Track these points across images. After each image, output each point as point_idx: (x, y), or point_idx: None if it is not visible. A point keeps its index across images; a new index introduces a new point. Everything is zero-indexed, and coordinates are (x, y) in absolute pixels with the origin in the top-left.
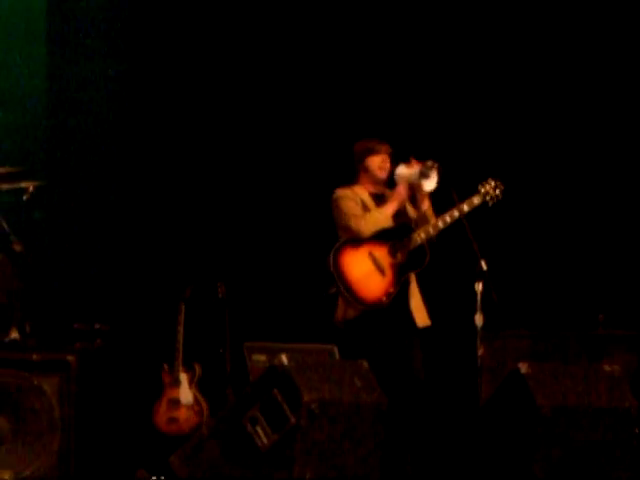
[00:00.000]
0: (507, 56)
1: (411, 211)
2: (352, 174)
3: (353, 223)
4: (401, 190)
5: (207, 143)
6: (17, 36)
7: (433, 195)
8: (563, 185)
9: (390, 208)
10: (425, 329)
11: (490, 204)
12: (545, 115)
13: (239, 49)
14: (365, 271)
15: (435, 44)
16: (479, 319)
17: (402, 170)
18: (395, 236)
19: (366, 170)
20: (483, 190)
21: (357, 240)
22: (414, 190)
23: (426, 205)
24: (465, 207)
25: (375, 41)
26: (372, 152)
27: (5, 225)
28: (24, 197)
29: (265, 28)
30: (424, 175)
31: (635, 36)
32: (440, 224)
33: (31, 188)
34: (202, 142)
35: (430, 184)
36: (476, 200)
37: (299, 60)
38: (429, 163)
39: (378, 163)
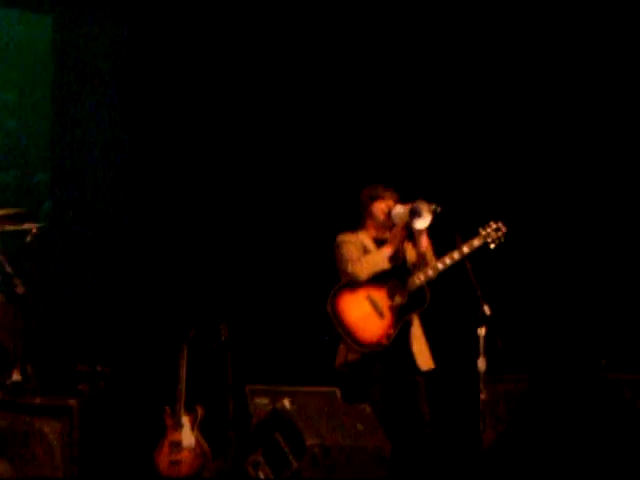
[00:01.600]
0: (505, 100)
1: (411, 253)
2: (358, 220)
3: (350, 267)
4: (396, 231)
5: (209, 183)
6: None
7: (437, 239)
8: (565, 229)
9: (387, 250)
10: (428, 372)
11: (491, 246)
12: (545, 160)
13: (236, 87)
14: (363, 314)
15: (438, 90)
16: (482, 364)
17: (397, 209)
18: (394, 278)
19: (371, 215)
20: (484, 232)
21: (355, 283)
22: (410, 230)
23: (424, 246)
24: (465, 249)
25: (381, 89)
26: (377, 198)
27: (8, 267)
28: (27, 239)
29: (269, 57)
30: (415, 213)
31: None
32: (440, 266)
33: (34, 230)
34: (203, 182)
35: (422, 222)
36: (476, 242)
37: (307, 107)
38: (421, 202)
39: (383, 209)
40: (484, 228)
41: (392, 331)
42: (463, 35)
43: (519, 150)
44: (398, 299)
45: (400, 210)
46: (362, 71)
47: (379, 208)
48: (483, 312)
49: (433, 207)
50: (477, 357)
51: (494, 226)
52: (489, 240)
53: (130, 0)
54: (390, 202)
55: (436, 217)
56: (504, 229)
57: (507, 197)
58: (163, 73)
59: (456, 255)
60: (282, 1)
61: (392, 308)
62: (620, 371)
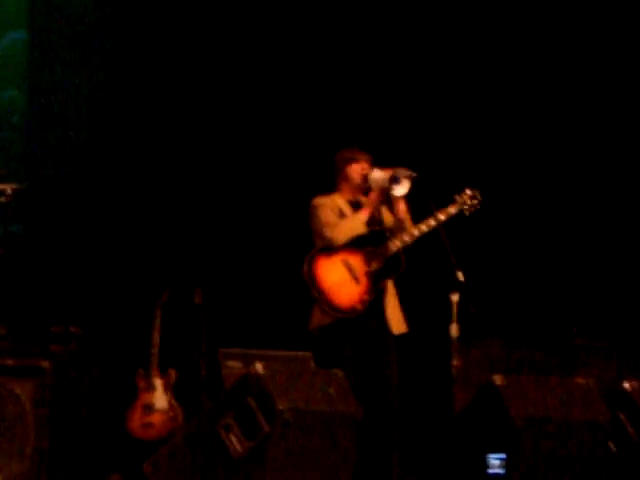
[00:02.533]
0: (484, 66)
1: (388, 218)
2: (332, 182)
3: (327, 231)
4: (373, 195)
5: (186, 146)
6: None
7: (412, 206)
8: (539, 196)
9: (363, 214)
10: (401, 337)
11: (467, 213)
12: (519, 124)
13: (222, 56)
14: (339, 279)
15: (415, 57)
16: (455, 330)
17: (375, 174)
18: (370, 243)
19: (346, 178)
20: (460, 200)
21: (331, 248)
22: (388, 195)
23: (402, 212)
24: (442, 216)
25: (357, 54)
26: (352, 161)
27: None
28: (1, 199)
29: (250, 35)
30: (395, 180)
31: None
32: (416, 232)
33: (9, 190)
34: (181, 145)
35: (401, 189)
36: (452, 209)
37: (280, 67)
38: (401, 169)
39: (358, 171)
40: (460, 195)
41: (367, 296)
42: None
43: (495, 117)
44: (374, 265)
45: (379, 175)
46: (337, 33)
47: (355, 170)
48: (456, 278)
49: (410, 174)
50: (450, 323)
51: (470, 193)
52: (465, 207)
53: None
54: (365, 165)
55: (413, 184)
56: (479, 197)
57: (482, 163)
58: (141, 34)
59: (432, 222)
60: None
61: (368, 274)
62: (591, 339)
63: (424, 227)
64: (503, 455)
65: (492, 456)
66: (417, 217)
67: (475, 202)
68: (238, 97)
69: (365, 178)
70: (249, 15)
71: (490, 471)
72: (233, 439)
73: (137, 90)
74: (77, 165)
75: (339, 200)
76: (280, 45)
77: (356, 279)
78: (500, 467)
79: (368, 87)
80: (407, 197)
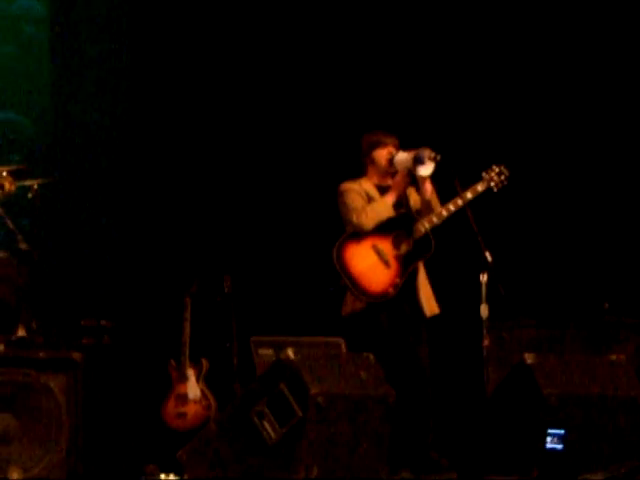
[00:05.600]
0: (508, 49)
1: (415, 200)
2: (360, 167)
3: (355, 217)
4: (398, 178)
5: (215, 136)
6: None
7: (438, 185)
8: (567, 174)
9: (390, 197)
10: (432, 320)
11: (495, 190)
12: (550, 103)
13: (242, 43)
14: (369, 264)
15: (438, 37)
16: (484, 310)
17: (399, 157)
18: (399, 226)
19: (373, 162)
20: (487, 177)
21: (360, 233)
22: (414, 177)
23: (429, 193)
24: (469, 194)
25: (380, 37)
26: (379, 145)
27: (10, 223)
28: (29, 195)
29: (267, 23)
30: (418, 161)
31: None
32: (444, 212)
33: (35, 186)
34: (210, 135)
35: (425, 170)
36: (480, 187)
37: (306, 54)
38: (424, 150)
39: (385, 155)
40: (487, 172)
41: (398, 280)
42: None
43: (517, 94)
44: (404, 248)
45: (403, 157)
46: (362, 21)
47: (381, 154)
48: (485, 258)
49: (434, 155)
50: (480, 303)
51: (497, 170)
52: (492, 184)
53: None
54: (391, 148)
55: (437, 164)
56: (507, 172)
57: (508, 140)
58: (161, 32)
59: (460, 201)
60: None
61: (398, 257)
62: (622, 315)
63: (452, 207)
64: (562, 431)
65: (551, 431)
66: (445, 197)
67: (503, 178)
68: (263, 86)
69: (391, 161)
70: (266, 5)
71: (549, 446)
72: (267, 426)
73: (158, 89)
74: (103, 157)
75: (367, 185)
76: (304, 32)
77: (386, 263)
78: (558, 442)
79: (391, 71)
80: (433, 177)
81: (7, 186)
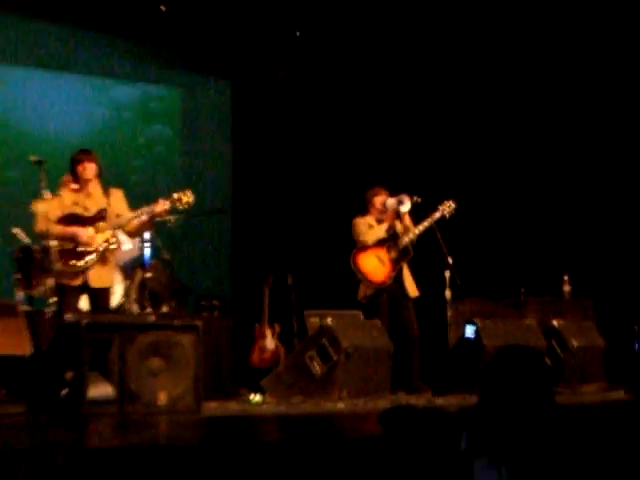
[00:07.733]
0: (468, 99)
1: (399, 225)
2: (365, 207)
3: (362, 237)
4: (389, 214)
5: (288, 174)
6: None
7: (413, 217)
8: (499, 199)
9: (384, 226)
10: (415, 300)
11: (447, 217)
12: (487, 150)
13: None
14: (373, 265)
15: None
16: (448, 294)
17: (389, 202)
18: (389, 241)
19: (373, 205)
20: (441, 208)
21: (365, 247)
22: (398, 212)
23: (407, 221)
24: (431, 220)
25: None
26: (376, 194)
27: (159, 242)
28: (168, 224)
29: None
30: (400, 202)
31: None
32: (417, 231)
33: (172, 221)
34: (285, 175)
35: (405, 207)
36: (437, 214)
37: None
38: (404, 195)
39: (381, 201)
40: (442, 204)
41: (393, 274)
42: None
43: (467, 152)
44: (394, 254)
45: (391, 201)
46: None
47: (378, 201)
48: (447, 261)
49: (411, 198)
50: (444, 289)
51: (447, 203)
52: (445, 213)
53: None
54: (384, 196)
55: (413, 204)
56: (454, 205)
57: (456, 186)
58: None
59: (426, 223)
60: None
61: (391, 260)
62: (532, 295)
63: (421, 227)
64: (475, 326)
65: (468, 326)
66: (418, 221)
67: (452, 208)
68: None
69: (384, 204)
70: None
71: (466, 336)
72: (315, 365)
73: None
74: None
75: (369, 218)
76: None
77: (384, 264)
78: (472, 334)
79: (389, 142)
80: (410, 212)
81: (171, 220)
